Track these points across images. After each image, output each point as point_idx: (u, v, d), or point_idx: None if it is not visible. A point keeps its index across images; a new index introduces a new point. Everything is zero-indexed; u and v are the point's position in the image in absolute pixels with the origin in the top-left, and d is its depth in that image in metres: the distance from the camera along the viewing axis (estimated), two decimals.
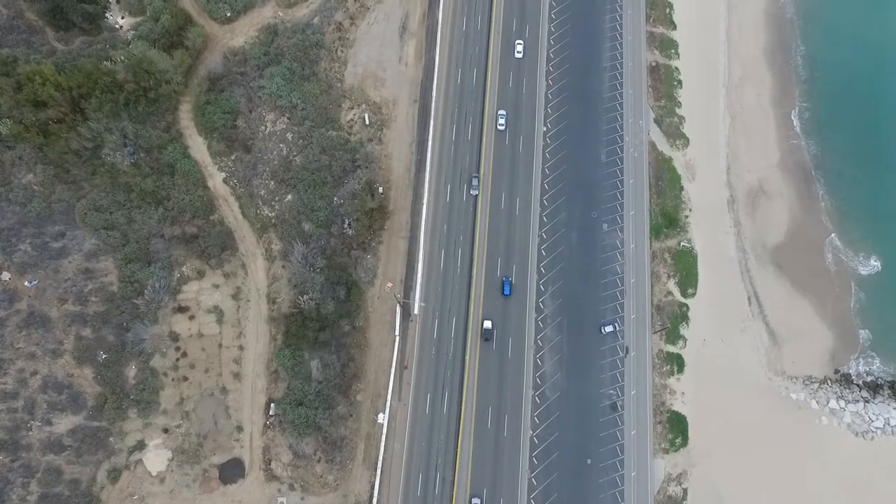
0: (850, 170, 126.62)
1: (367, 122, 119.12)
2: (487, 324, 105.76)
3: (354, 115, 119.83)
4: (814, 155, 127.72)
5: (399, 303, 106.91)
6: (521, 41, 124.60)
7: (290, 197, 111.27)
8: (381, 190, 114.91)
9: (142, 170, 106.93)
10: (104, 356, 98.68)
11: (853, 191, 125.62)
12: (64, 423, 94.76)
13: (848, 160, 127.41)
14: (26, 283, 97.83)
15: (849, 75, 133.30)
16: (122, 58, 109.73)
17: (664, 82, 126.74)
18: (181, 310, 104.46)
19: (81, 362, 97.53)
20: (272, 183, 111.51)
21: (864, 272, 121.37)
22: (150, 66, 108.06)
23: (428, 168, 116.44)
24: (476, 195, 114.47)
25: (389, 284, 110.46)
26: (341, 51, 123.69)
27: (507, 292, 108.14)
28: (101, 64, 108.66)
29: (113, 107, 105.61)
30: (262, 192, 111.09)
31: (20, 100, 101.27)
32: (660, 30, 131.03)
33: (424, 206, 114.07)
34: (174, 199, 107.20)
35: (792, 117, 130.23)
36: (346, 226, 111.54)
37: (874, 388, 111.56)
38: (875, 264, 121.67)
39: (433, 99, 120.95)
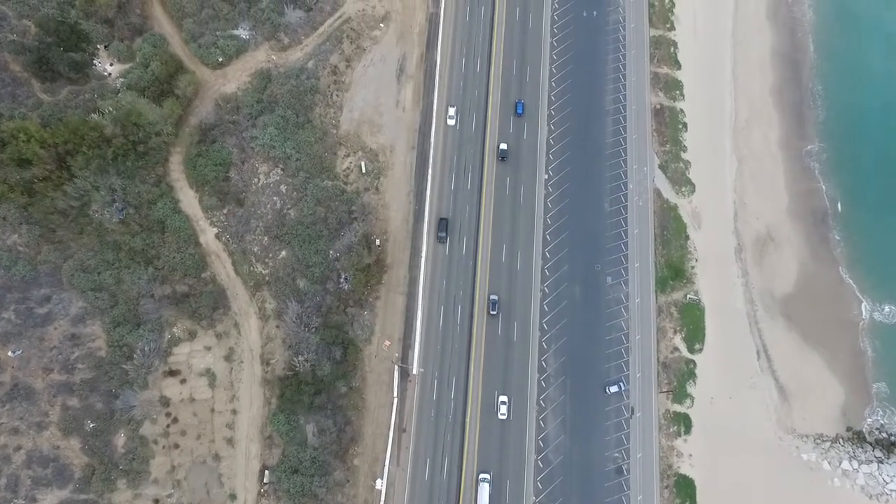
0: (863, 214, 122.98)
1: (364, 171, 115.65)
2: None
3: (350, 163, 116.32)
4: (824, 199, 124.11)
5: (397, 366, 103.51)
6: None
7: (284, 253, 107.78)
8: (378, 242, 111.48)
9: (131, 227, 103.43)
10: (92, 425, 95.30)
11: (866, 236, 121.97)
12: (49, 499, 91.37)
13: (861, 204, 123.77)
14: (10, 354, 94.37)
15: (864, 115, 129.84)
16: (111, 108, 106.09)
17: (669, 125, 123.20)
18: (172, 373, 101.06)
19: (68, 433, 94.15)
20: (266, 239, 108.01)
21: (878, 320, 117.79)
22: (138, 118, 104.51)
23: (426, 219, 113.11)
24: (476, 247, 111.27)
25: (387, 343, 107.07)
26: (337, 95, 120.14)
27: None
28: (89, 117, 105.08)
29: (100, 163, 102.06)
30: (256, 249, 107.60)
31: (4, 158, 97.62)
32: (664, 70, 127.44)
33: (423, 260, 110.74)
34: (164, 257, 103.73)
35: (801, 160, 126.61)
36: (342, 280, 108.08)
37: (888, 446, 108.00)
38: (890, 312, 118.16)
39: (431, 146, 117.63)
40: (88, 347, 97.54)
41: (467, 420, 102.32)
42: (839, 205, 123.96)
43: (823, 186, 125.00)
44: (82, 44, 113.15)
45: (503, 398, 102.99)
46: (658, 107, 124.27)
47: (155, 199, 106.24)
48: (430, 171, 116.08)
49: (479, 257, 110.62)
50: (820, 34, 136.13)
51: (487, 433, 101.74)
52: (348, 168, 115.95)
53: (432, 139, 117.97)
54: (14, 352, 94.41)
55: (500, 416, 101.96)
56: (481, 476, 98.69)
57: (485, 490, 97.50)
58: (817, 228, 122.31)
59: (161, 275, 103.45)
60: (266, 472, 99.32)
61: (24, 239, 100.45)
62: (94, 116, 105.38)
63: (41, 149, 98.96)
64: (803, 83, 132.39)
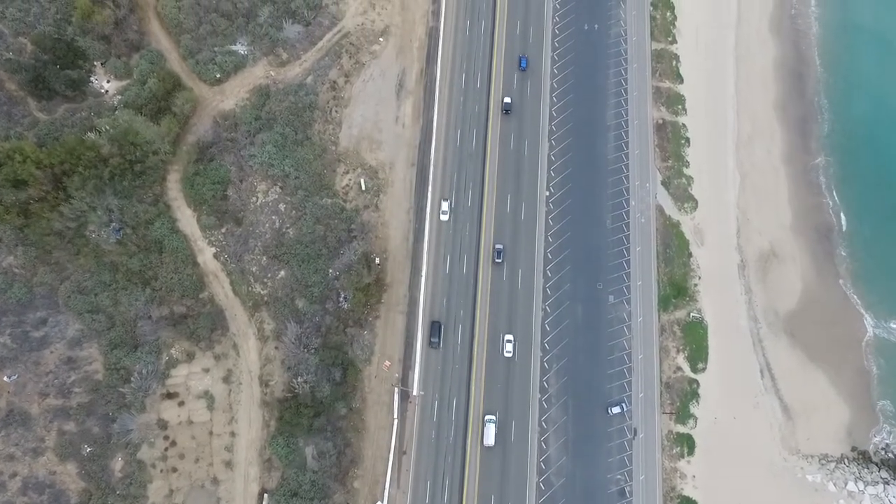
0: (868, 230, 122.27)
1: (364, 188, 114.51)
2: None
3: (350, 180, 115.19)
4: (828, 215, 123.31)
5: (397, 389, 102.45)
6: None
7: (283, 273, 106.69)
8: (377, 261, 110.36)
9: (128, 248, 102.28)
10: (89, 450, 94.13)
11: (871, 252, 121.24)
12: None
13: (865, 219, 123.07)
14: (5, 379, 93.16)
15: (868, 128, 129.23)
16: (107, 127, 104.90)
17: (671, 141, 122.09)
18: (170, 396, 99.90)
19: (64, 458, 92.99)
20: (264, 258, 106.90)
21: (883, 337, 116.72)
22: (135, 137, 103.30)
23: (426, 237, 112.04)
24: (476, 266, 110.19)
25: (387, 363, 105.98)
26: (336, 111, 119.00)
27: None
28: (86, 136, 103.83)
29: (97, 183, 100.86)
30: (254, 269, 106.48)
31: None
32: (666, 84, 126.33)
33: (423, 279, 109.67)
34: (162, 278, 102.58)
35: (805, 175, 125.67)
36: (341, 300, 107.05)
37: (894, 467, 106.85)
38: None
39: (431, 162, 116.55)
40: (85, 371, 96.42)
41: (468, 442, 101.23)
42: (843, 220, 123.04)
43: (827, 202, 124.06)
44: (79, 61, 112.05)
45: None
46: (660, 122, 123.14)
47: (152, 218, 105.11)
48: (430, 187, 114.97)
49: (480, 278, 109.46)
50: (824, 46, 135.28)
51: (489, 454, 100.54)
52: (348, 185, 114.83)
53: (432, 155, 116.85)
54: (9, 377, 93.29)
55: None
56: (483, 499, 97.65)
57: None
58: (821, 244, 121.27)
59: (159, 296, 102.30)
60: (265, 495, 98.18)
61: (20, 261, 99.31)
62: (91, 135, 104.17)
63: (37, 169, 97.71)
64: (807, 97, 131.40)
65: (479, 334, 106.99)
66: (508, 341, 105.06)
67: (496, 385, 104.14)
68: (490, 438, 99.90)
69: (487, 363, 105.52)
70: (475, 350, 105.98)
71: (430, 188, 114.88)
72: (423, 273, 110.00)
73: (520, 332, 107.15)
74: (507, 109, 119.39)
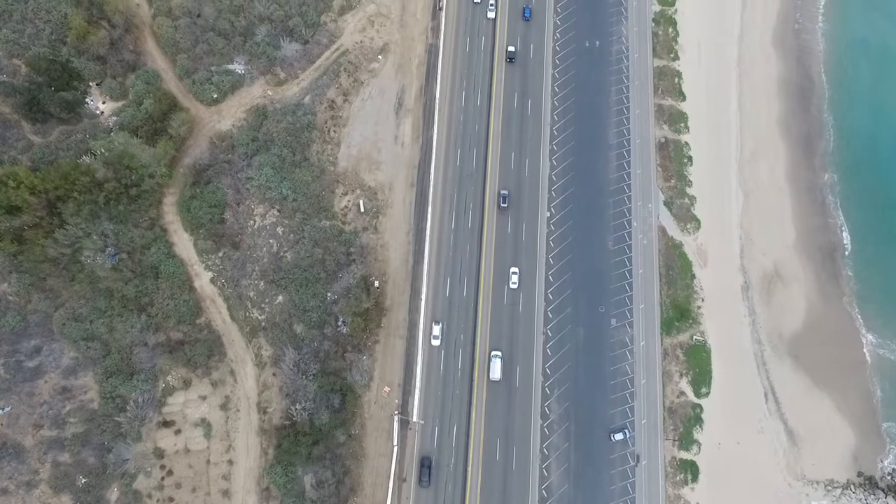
0: (873, 249, 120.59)
1: (363, 210, 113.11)
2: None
3: (349, 201, 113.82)
4: (832, 234, 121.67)
5: (398, 417, 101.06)
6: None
7: (280, 298, 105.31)
8: (377, 284, 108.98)
9: (123, 274, 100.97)
10: (84, 481, 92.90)
11: (876, 272, 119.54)
12: None
13: (871, 239, 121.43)
14: None
15: (875, 145, 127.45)
16: (103, 150, 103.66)
17: (674, 160, 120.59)
18: (166, 424, 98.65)
19: (59, 490, 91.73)
20: (262, 283, 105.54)
21: (890, 359, 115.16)
22: (131, 160, 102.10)
23: (426, 260, 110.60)
24: (476, 289, 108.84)
25: (386, 389, 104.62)
26: (334, 131, 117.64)
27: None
28: (81, 160, 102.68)
29: (92, 208, 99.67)
30: (252, 294, 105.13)
31: None
32: (668, 102, 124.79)
33: (423, 302, 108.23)
34: (158, 304, 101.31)
35: (809, 193, 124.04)
36: (340, 324, 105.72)
37: None
38: None
39: (431, 183, 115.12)
40: (80, 400, 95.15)
41: (469, 468, 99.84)
42: (848, 240, 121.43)
43: (831, 221, 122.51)
44: (74, 82, 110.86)
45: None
46: (662, 140, 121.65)
47: (148, 243, 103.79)
48: (429, 209, 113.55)
49: (481, 302, 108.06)
50: (828, 61, 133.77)
51: (489, 481, 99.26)
52: (346, 207, 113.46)
53: (432, 176, 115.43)
54: (2, 409, 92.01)
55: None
56: None
57: None
58: (825, 264, 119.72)
59: (155, 322, 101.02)
60: None
61: (14, 288, 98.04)
62: (86, 159, 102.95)
63: (31, 195, 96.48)
64: (811, 113, 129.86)
65: (479, 359, 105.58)
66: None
67: (497, 410, 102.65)
68: None
69: (488, 388, 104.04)
70: (475, 375, 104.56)
71: (429, 209, 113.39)
72: (423, 296, 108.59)
73: (521, 356, 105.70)
74: (507, 130, 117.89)
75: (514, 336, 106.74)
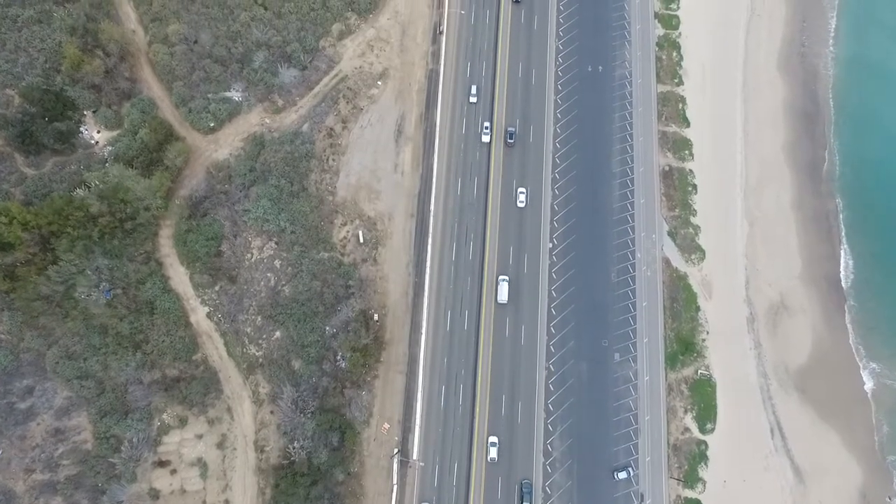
0: (881, 280, 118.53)
1: (362, 240, 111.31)
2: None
3: (348, 232, 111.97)
4: (839, 264, 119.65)
5: (397, 458, 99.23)
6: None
7: (278, 334, 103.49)
8: (376, 318, 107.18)
9: (118, 311, 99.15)
10: None
11: (883, 303, 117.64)
12: None
13: (879, 269, 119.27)
14: None
15: (883, 172, 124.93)
16: (97, 182, 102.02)
17: (678, 188, 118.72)
18: (162, 464, 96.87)
19: None
20: (259, 318, 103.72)
21: None
22: (126, 194, 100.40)
23: (426, 292, 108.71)
24: (478, 323, 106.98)
25: (386, 426, 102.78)
26: (333, 159, 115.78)
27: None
28: (75, 192, 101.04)
29: (86, 243, 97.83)
30: (249, 329, 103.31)
31: None
32: (672, 128, 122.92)
33: (423, 336, 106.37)
34: (153, 341, 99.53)
35: (815, 222, 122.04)
36: (338, 359, 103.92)
37: None
38: None
39: (431, 213, 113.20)
40: (73, 441, 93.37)
41: None
42: (854, 269, 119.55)
43: (838, 250, 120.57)
44: (68, 111, 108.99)
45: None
46: (667, 168, 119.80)
47: (143, 278, 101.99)
48: (430, 240, 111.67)
49: (482, 333, 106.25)
50: (834, 85, 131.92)
51: None
52: (345, 237, 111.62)
53: (432, 206, 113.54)
54: None
55: None
56: None
57: None
58: (832, 295, 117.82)
59: (150, 359, 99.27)
60: None
61: (6, 326, 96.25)
62: (80, 192, 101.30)
63: (24, 231, 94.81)
64: (816, 138, 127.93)
65: (480, 394, 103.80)
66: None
67: (500, 449, 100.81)
68: None
69: (490, 425, 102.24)
70: (477, 411, 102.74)
71: (430, 240, 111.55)
72: (424, 330, 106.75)
73: (523, 392, 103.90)
74: (509, 159, 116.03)
75: (516, 371, 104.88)
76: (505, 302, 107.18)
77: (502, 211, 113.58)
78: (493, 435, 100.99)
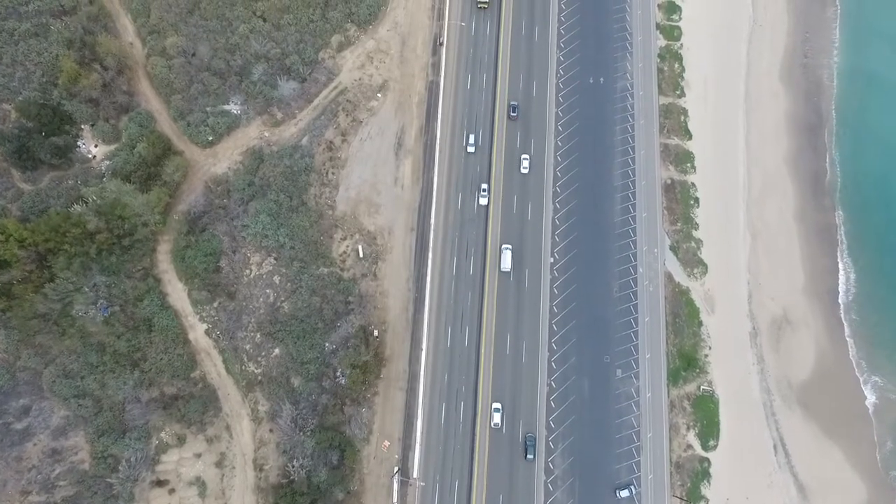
0: (884, 293, 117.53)
1: (361, 255, 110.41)
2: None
3: (347, 246, 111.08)
4: (843, 277, 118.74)
5: (397, 477, 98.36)
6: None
7: (277, 351, 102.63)
8: (376, 334, 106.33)
9: (115, 328, 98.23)
10: None
11: (886, 316, 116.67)
12: None
13: (882, 283, 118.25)
14: None
15: (886, 184, 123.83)
16: (94, 197, 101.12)
17: (680, 202, 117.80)
18: (160, 483, 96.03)
19: None
20: (258, 335, 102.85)
21: None
22: (123, 210, 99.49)
23: (427, 308, 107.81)
24: (479, 339, 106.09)
25: (386, 443, 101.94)
26: (332, 173, 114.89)
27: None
28: (72, 208, 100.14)
29: (83, 261, 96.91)
30: (248, 347, 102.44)
31: None
32: (675, 141, 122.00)
33: (424, 353, 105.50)
34: (151, 359, 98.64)
35: (818, 234, 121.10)
36: (338, 375, 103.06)
37: None
38: None
39: (432, 227, 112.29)
40: (70, 462, 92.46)
41: None
42: (858, 283, 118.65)
43: (841, 263, 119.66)
44: (65, 126, 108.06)
45: None
46: (669, 181, 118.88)
47: (141, 295, 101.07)
48: (430, 254, 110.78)
49: (483, 352, 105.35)
50: (837, 96, 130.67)
51: None
52: (345, 252, 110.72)
53: (432, 220, 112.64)
54: None
55: None
56: None
57: None
58: (834, 309, 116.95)
59: (148, 377, 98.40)
60: None
61: (2, 345, 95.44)
62: (77, 207, 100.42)
63: (20, 249, 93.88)
64: (819, 150, 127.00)
65: (481, 411, 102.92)
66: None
67: (500, 464, 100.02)
68: None
69: (491, 443, 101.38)
70: (478, 428, 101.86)
71: (430, 255, 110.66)
72: (424, 346, 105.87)
73: (524, 409, 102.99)
74: (510, 171, 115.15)
75: (517, 388, 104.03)
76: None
77: (503, 225, 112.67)
78: (494, 455, 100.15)
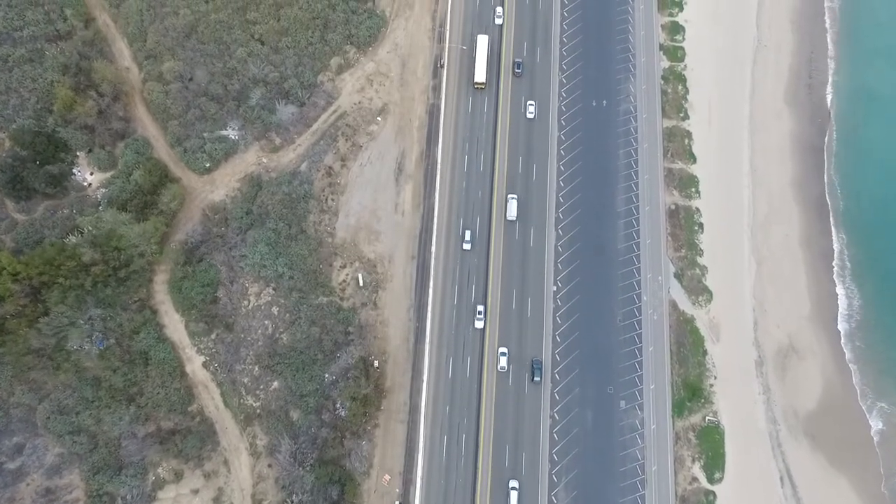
0: (892, 321, 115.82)
1: (361, 284, 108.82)
2: None
3: (347, 275, 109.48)
4: (849, 305, 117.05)
5: None
6: (513, 196, 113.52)
7: (276, 384, 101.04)
8: (376, 364, 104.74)
9: (111, 362, 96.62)
10: None
11: (892, 343, 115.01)
12: None
13: (889, 308, 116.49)
14: None
15: (892, 208, 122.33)
16: (90, 227, 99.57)
17: (684, 228, 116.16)
18: None
19: None
20: (256, 368, 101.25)
21: None
22: (119, 241, 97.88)
23: (428, 338, 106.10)
24: (481, 370, 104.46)
25: (387, 477, 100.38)
26: (332, 199, 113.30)
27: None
28: (67, 239, 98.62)
29: (78, 294, 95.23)
30: (246, 380, 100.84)
31: None
32: (678, 165, 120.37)
33: (424, 384, 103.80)
34: (148, 393, 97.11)
35: (824, 260, 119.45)
36: (338, 406, 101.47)
37: None
38: None
39: (433, 255, 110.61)
40: (65, 501, 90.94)
41: None
42: (864, 310, 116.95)
43: (848, 290, 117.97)
44: (60, 153, 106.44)
45: None
46: (673, 207, 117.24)
47: (137, 327, 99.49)
48: (431, 283, 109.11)
49: (485, 384, 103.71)
50: (842, 118, 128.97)
51: None
52: (345, 281, 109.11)
53: (433, 247, 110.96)
54: None
55: None
56: None
57: None
58: (839, 335, 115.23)
59: (144, 412, 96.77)
60: None
61: None
62: (72, 238, 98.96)
63: (14, 283, 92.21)
64: (825, 173, 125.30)
65: (483, 445, 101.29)
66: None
67: (503, 499, 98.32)
68: None
69: (493, 475, 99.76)
70: (479, 463, 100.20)
71: (431, 283, 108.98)
72: (425, 377, 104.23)
73: (527, 442, 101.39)
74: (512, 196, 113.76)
75: (520, 420, 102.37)
76: (506, 352, 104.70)
77: (505, 252, 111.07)
78: (497, 489, 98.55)
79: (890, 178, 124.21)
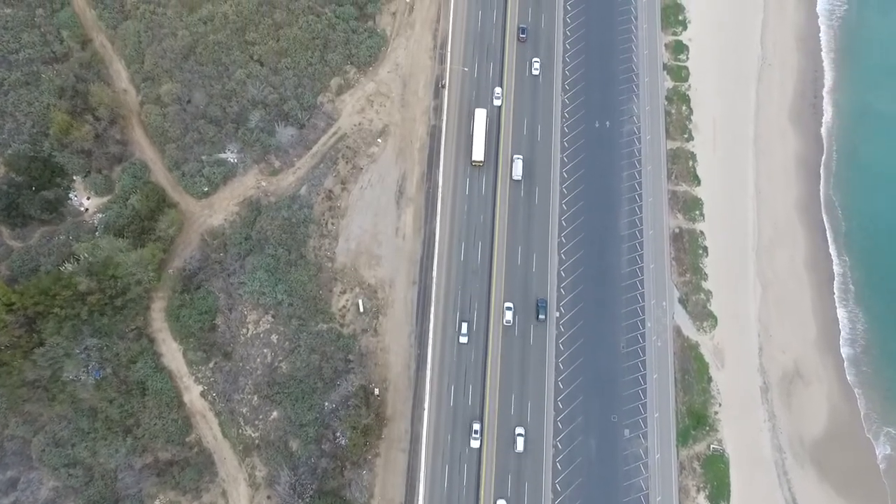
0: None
1: (362, 310, 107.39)
2: None
3: (347, 300, 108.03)
4: (855, 328, 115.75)
5: None
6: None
7: (275, 414, 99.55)
8: (377, 392, 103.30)
9: (107, 393, 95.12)
10: None
11: None
12: None
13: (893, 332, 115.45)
14: None
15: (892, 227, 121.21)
16: (86, 254, 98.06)
17: (689, 252, 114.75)
18: None
19: None
20: (255, 398, 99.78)
21: None
22: (116, 269, 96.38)
23: (429, 365, 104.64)
24: (482, 399, 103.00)
25: None
26: (332, 223, 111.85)
27: None
28: (63, 267, 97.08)
29: (74, 324, 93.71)
30: (245, 410, 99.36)
31: None
32: (682, 187, 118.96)
33: (426, 413, 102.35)
34: (145, 424, 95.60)
35: (829, 283, 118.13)
36: (338, 435, 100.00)
37: None
38: None
39: (434, 280, 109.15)
40: None
41: None
42: (870, 334, 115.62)
43: (853, 314, 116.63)
44: (56, 178, 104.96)
45: None
46: (677, 230, 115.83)
47: (134, 357, 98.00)
48: (432, 308, 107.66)
49: (487, 412, 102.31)
50: (847, 138, 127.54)
51: None
52: (345, 307, 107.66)
53: (434, 272, 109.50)
54: None
55: None
56: None
57: None
58: (847, 362, 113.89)
59: (141, 444, 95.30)
60: None
61: None
62: (68, 266, 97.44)
63: (8, 314, 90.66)
64: (830, 194, 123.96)
65: (485, 476, 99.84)
66: None
67: None
68: None
69: None
70: (482, 494, 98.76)
71: (432, 309, 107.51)
72: (426, 405, 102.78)
73: (529, 472, 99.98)
74: (514, 223, 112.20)
75: (522, 459, 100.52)
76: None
77: (507, 277, 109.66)
78: None
79: (893, 200, 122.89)
